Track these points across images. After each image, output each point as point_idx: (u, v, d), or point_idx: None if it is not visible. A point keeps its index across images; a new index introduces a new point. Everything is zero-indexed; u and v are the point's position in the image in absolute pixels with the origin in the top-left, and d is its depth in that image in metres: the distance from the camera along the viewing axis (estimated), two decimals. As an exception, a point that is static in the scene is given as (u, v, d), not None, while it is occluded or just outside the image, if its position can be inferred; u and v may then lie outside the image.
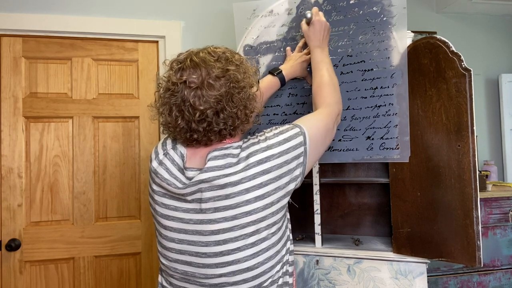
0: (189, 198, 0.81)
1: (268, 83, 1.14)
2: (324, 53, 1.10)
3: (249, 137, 0.87)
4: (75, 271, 1.63)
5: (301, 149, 0.84)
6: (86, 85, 1.67)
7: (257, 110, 0.89)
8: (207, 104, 0.79)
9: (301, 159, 0.84)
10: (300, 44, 1.23)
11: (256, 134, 0.87)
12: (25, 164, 1.61)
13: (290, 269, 0.90)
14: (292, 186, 0.84)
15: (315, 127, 0.89)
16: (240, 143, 0.84)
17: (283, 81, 1.16)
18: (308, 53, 1.20)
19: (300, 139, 0.85)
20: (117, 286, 1.67)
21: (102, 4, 1.69)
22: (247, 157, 0.80)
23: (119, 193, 1.69)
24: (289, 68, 1.17)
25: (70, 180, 1.65)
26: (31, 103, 1.62)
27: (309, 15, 1.10)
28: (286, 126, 0.87)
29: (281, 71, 1.16)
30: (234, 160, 0.79)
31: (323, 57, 1.09)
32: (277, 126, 0.88)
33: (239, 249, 0.79)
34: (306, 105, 1.24)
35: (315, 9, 1.14)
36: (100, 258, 1.66)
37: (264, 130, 0.88)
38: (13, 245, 1.54)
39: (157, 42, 1.75)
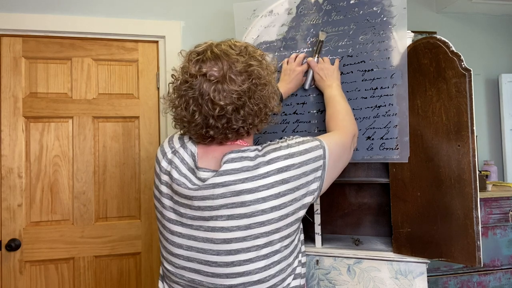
0: (195, 203, 0.76)
1: None
2: (334, 90, 1.12)
3: (268, 142, 0.84)
4: (75, 271, 1.63)
5: (320, 162, 0.81)
6: (86, 85, 1.67)
7: (275, 109, 0.86)
8: (227, 100, 0.75)
9: (319, 173, 0.81)
10: (294, 55, 1.23)
11: (277, 140, 0.84)
12: (25, 164, 1.61)
13: (302, 281, 0.87)
14: (308, 200, 0.80)
15: (334, 143, 0.87)
16: (258, 146, 0.81)
17: (280, 98, 1.14)
18: (303, 63, 1.22)
19: (320, 152, 0.82)
20: (117, 286, 1.67)
21: (102, 4, 1.69)
22: (268, 162, 0.76)
23: (119, 193, 1.69)
24: (285, 85, 1.18)
25: (70, 180, 1.64)
26: (31, 103, 1.62)
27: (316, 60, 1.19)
28: (307, 137, 0.84)
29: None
30: (252, 163, 0.76)
31: (334, 93, 1.11)
32: (297, 136, 0.85)
33: (250, 261, 0.75)
34: (306, 105, 1.24)
35: (325, 59, 1.20)
36: (100, 258, 1.66)
37: (285, 137, 0.85)
38: (13, 245, 1.54)
39: (157, 42, 1.75)
